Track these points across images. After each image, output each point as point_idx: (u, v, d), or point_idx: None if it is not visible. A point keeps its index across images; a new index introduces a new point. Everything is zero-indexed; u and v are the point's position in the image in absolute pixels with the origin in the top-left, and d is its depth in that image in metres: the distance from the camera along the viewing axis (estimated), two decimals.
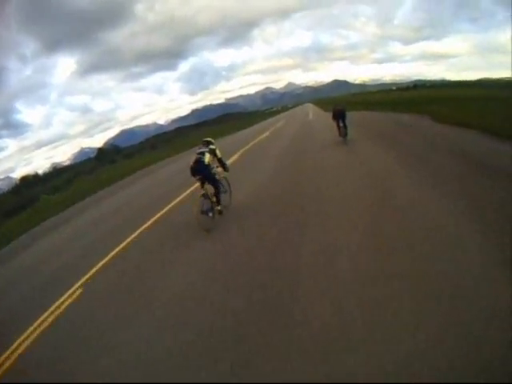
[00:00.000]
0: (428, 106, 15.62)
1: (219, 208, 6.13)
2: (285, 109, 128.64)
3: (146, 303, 4.00)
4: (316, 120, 26.21)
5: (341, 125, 11.24)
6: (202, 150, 5.90)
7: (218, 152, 6.10)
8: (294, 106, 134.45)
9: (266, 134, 23.13)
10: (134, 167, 25.43)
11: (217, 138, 11.90)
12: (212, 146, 6.04)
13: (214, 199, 5.96)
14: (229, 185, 6.70)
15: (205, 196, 5.74)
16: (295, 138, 16.78)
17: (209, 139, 6.21)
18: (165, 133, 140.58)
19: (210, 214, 5.73)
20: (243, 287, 3.68)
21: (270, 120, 51.29)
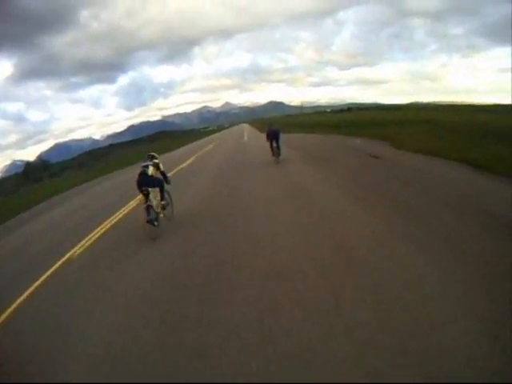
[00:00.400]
0: (375, 128, 14.61)
1: (163, 203, 6.38)
2: (221, 128, 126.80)
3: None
4: (251, 141, 24.84)
5: (274, 145, 11.47)
6: (146, 164, 6.22)
7: (161, 166, 6.46)
8: (230, 126, 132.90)
9: (193, 157, 20.44)
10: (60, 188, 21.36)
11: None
12: (156, 160, 6.38)
13: (159, 209, 6.24)
14: (170, 198, 6.81)
15: (149, 207, 5.96)
16: (229, 159, 15.80)
17: (153, 154, 6.54)
18: (99, 148, 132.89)
19: (156, 224, 5.95)
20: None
21: (206, 139, 50.24)
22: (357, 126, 17.49)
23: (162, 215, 6.27)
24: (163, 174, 6.45)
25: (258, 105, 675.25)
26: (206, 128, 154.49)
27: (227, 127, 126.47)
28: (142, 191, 6.01)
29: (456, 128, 12.42)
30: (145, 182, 5.97)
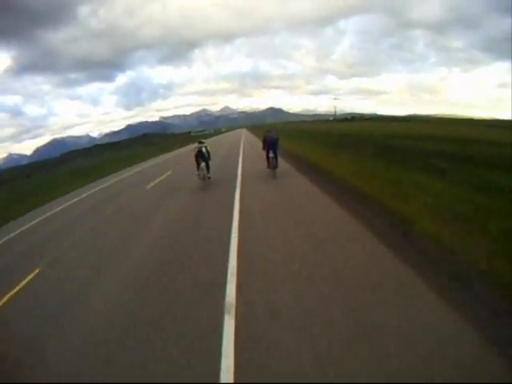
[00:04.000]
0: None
1: (209, 176, 11.14)
2: (217, 132, 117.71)
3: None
4: (248, 152, 19.71)
5: (271, 155, 10.39)
6: (200, 145, 11.03)
7: (208, 148, 11.30)
8: (227, 130, 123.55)
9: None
10: None
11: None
12: (205, 144, 11.26)
13: (206, 171, 10.97)
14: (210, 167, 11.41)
15: (202, 170, 10.81)
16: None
17: (202, 140, 11.66)
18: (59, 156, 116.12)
19: (206, 179, 10.99)
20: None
21: (192, 146, 40.57)
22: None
23: (209, 175, 11.09)
24: (208, 153, 11.11)
25: (257, 110, 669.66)
26: (201, 131, 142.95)
27: (224, 131, 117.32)
28: (197, 161, 10.84)
29: None
30: (200, 156, 10.79)
